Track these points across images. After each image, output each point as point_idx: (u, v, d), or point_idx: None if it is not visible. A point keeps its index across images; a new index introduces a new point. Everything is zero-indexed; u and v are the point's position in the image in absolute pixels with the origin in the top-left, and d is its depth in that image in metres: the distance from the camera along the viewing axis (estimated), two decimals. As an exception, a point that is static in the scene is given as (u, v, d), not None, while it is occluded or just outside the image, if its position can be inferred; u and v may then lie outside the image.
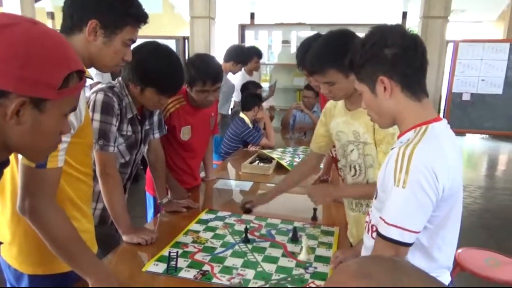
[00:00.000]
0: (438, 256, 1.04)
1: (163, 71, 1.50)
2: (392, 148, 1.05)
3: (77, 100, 0.80)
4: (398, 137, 1.06)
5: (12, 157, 1.03)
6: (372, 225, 1.10)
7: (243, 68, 4.27)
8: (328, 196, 1.59)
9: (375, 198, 1.09)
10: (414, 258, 1.01)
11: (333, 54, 1.40)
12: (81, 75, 0.77)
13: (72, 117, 1.03)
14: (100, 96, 1.45)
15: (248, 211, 1.75)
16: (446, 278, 1.10)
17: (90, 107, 1.44)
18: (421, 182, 0.91)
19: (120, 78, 1.58)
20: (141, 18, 1.21)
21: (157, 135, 1.80)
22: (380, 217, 0.97)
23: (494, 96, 5.18)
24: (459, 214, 1.07)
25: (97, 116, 1.44)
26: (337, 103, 1.61)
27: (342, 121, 1.55)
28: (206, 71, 1.86)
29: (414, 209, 0.93)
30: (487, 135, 7.91)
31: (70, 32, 1.13)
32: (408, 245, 0.95)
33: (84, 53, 1.14)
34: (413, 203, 0.92)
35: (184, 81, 1.63)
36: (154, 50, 1.54)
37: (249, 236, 1.56)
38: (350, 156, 1.50)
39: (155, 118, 1.77)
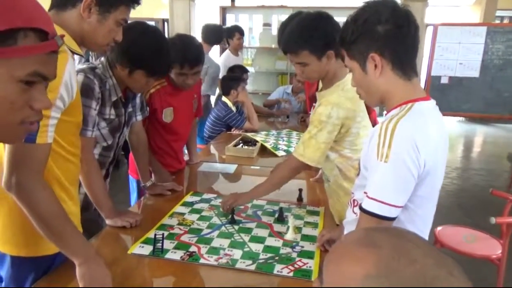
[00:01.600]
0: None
1: (153, 53, 1.46)
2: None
3: (47, 65, 0.69)
4: (386, 114, 1.06)
5: None
6: (354, 200, 1.11)
7: (228, 48, 4.26)
8: (231, 200, 1.59)
9: (357, 175, 1.10)
10: None
11: (306, 36, 1.42)
12: (45, 36, 0.67)
13: (63, 92, 0.99)
14: (80, 77, 1.38)
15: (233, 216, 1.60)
16: None
17: None
18: (403, 156, 0.91)
19: (102, 59, 1.52)
20: None
21: (139, 117, 1.76)
22: (364, 192, 0.98)
23: (471, 79, 5.28)
24: (437, 195, 1.08)
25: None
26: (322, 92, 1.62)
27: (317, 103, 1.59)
28: (184, 54, 1.79)
29: (395, 183, 0.93)
30: (464, 118, 8.13)
31: (63, 7, 1.10)
32: (389, 219, 0.94)
33: (76, 29, 1.11)
34: (393, 177, 0.93)
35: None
36: (143, 31, 1.49)
37: (236, 217, 1.56)
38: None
39: (137, 100, 1.73)
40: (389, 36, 0.96)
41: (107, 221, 1.48)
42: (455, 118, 8.17)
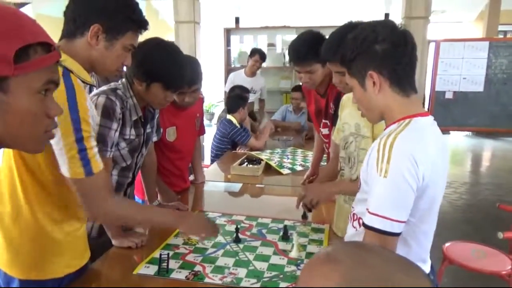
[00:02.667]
0: (416, 249, 1.05)
1: (168, 64, 1.47)
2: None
3: (56, 73, 0.74)
4: (385, 130, 1.08)
5: (8, 156, 1.04)
6: (354, 214, 1.13)
7: (242, 70, 4.39)
8: (322, 193, 1.58)
9: (359, 189, 1.12)
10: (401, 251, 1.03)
11: (313, 45, 1.54)
12: (49, 48, 0.72)
13: (92, 123, 1.07)
14: (102, 99, 1.40)
15: (309, 211, 1.61)
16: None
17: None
18: (402, 171, 0.92)
19: (123, 79, 1.55)
20: (143, 24, 1.23)
21: (155, 138, 1.79)
22: (366, 208, 0.98)
23: (476, 93, 5.29)
24: (437, 209, 1.08)
25: (97, 120, 1.39)
26: (350, 94, 1.63)
27: (348, 112, 1.57)
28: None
29: (395, 197, 0.94)
30: (471, 132, 8.09)
31: (72, 36, 1.14)
32: (393, 234, 0.94)
33: (85, 57, 1.15)
34: (394, 192, 0.93)
35: (198, 74, 1.62)
36: (158, 44, 1.51)
37: (240, 236, 1.57)
38: (349, 148, 1.53)
39: (155, 121, 1.75)
40: (387, 55, 0.99)
41: (113, 241, 1.50)
42: (462, 133, 8.13)
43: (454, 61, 5.29)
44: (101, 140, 1.40)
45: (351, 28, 1.43)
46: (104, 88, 1.48)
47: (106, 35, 1.15)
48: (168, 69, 1.47)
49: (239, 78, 4.41)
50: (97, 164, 1.07)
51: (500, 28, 7.54)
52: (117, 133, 1.44)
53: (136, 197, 2.11)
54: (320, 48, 1.57)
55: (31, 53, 0.69)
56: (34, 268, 1.13)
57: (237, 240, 1.54)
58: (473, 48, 5.25)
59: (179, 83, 1.55)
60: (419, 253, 1.07)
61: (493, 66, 5.22)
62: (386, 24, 1.03)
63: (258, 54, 4.35)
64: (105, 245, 1.51)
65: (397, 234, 0.95)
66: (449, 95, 5.36)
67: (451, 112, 5.35)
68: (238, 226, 1.60)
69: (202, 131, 2.28)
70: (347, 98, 1.66)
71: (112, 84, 1.53)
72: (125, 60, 1.24)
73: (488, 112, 5.30)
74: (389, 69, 1.01)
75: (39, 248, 1.03)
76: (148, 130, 1.67)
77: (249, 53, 4.48)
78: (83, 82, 1.11)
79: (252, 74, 4.46)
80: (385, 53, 0.99)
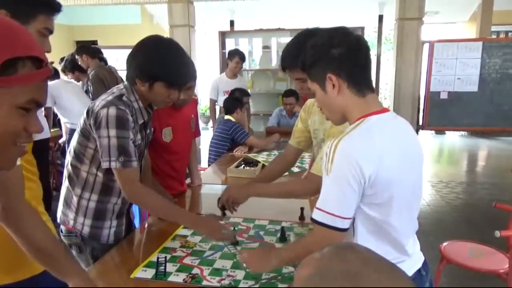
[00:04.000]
0: (394, 243, 1.08)
1: (170, 61, 1.44)
2: None
3: (41, 92, 0.71)
4: None
5: None
6: None
7: (225, 71, 4.38)
8: (239, 194, 1.60)
9: None
10: (377, 247, 1.04)
11: (302, 51, 1.47)
12: (41, 64, 0.69)
13: None
14: (113, 111, 1.37)
15: (223, 213, 1.65)
16: (407, 266, 1.11)
17: (103, 123, 1.37)
18: (343, 171, 0.98)
19: (126, 83, 1.52)
20: (53, 5, 1.17)
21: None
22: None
23: (470, 94, 5.33)
24: (413, 206, 1.12)
25: (113, 132, 1.37)
26: (314, 100, 1.65)
27: (317, 119, 1.61)
28: None
29: (337, 195, 1.00)
30: (466, 132, 8.13)
31: None
32: (339, 229, 1.00)
33: None
34: (336, 190, 1.00)
35: (193, 72, 1.57)
36: (158, 42, 1.48)
37: (238, 238, 1.56)
38: (322, 153, 1.54)
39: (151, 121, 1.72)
40: (343, 58, 1.05)
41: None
42: (457, 133, 8.17)
43: (448, 62, 5.33)
44: (123, 152, 1.38)
45: (308, 35, 1.47)
46: (109, 97, 1.43)
47: (15, 20, 1.10)
48: (170, 66, 1.44)
49: (222, 81, 4.42)
50: None
51: (493, 28, 7.60)
52: (132, 141, 1.43)
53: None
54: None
55: (19, 67, 0.66)
56: (10, 271, 1.10)
57: (234, 243, 1.54)
58: (466, 48, 5.29)
59: (183, 80, 1.52)
60: (396, 246, 1.09)
61: (487, 66, 5.26)
62: (340, 30, 1.10)
63: (237, 56, 4.36)
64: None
65: (342, 230, 1.01)
66: (444, 96, 5.40)
67: (446, 112, 5.39)
68: (235, 228, 1.59)
69: (197, 132, 2.28)
70: (310, 104, 1.70)
71: (115, 90, 1.49)
72: (43, 46, 1.15)
73: (483, 111, 5.34)
74: (346, 71, 1.06)
75: (12, 251, 1.01)
76: (148, 131, 1.65)
77: (228, 56, 4.44)
78: None
79: (234, 75, 4.47)
80: (341, 56, 1.05)
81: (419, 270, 1.15)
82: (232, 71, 4.44)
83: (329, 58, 1.06)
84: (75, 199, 1.52)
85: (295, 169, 2.65)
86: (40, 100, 0.71)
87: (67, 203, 1.55)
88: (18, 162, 0.98)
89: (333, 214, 1.00)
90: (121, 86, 1.52)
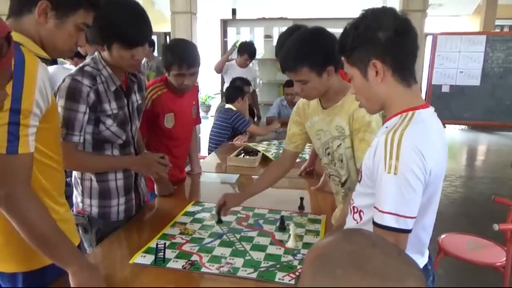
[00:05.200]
0: (414, 242, 1.04)
1: (122, 20, 1.37)
2: (376, 136, 1.06)
3: (10, 65, 0.71)
4: (384, 122, 1.06)
5: None
6: (354, 207, 1.11)
7: (235, 59, 4.38)
8: (237, 201, 1.66)
9: (359, 181, 1.10)
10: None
11: (306, 53, 1.39)
12: (9, 38, 0.67)
13: (39, 98, 0.97)
14: (67, 82, 1.36)
15: (220, 219, 1.63)
16: (420, 262, 1.09)
17: (58, 94, 1.36)
18: (412, 167, 0.90)
19: (96, 53, 1.48)
20: (95, 1, 1.15)
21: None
22: (374, 207, 0.96)
23: (472, 87, 5.29)
24: (438, 202, 1.07)
25: (62, 102, 1.35)
26: (310, 102, 1.61)
27: (320, 120, 1.55)
28: (181, 54, 1.84)
29: (408, 194, 0.91)
30: (466, 126, 8.12)
31: (19, 14, 1.06)
32: (406, 231, 0.93)
33: (35, 36, 1.06)
34: (406, 189, 0.91)
35: (150, 31, 1.48)
36: (111, 2, 1.39)
37: (237, 226, 1.57)
38: (338, 150, 1.51)
39: (144, 92, 1.70)
40: (390, 43, 0.97)
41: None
42: (458, 126, 8.15)
43: (451, 55, 5.29)
44: (67, 124, 1.36)
45: (314, 34, 1.40)
46: (72, 71, 1.42)
47: (56, 12, 1.07)
48: (122, 25, 1.36)
49: (233, 68, 4.42)
50: (26, 145, 0.95)
51: (497, 22, 7.53)
52: (86, 115, 1.39)
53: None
54: (312, 53, 1.42)
55: (3, 49, 0.65)
56: (16, 261, 1.09)
57: (219, 221, 1.57)
58: (470, 41, 5.24)
59: (138, 38, 1.42)
60: (416, 246, 1.06)
61: (490, 60, 5.22)
62: (388, 12, 1.00)
63: (247, 54, 4.34)
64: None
65: (410, 231, 0.94)
66: (445, 89, 5.36)
67: (448, 105, 5.36)
68: (237, 216, 1.60)
69: (198, 120, 2.28)
70: (305, 106, 1.63)
71: (83, 63, 1.46)
72: (78, 40, 1.15)
73: (484, 106, 5.31)
74: (392, 57, 0.98)
75: (19, 241, 0.99)
76: (139, 102, 1.62)
77: (239, 49, 4.41)
78: (39, 57, 1.03)
79: (245, 64, 4.46)
80: (388, 41, 0.97)
81: (426, 265, 1.13)
82: (240, 64, 4.44)
83: (375, 42, 0.97)
84: (79, 181, 1.55)
85: (295, 159, 2.65)
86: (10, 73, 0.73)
87: (75, 187, 1.58)
88: (32, 149, 0.97)
89: (404, 216, 0.91)
90: (89, 58, 1.49)
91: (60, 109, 1.35)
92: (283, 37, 1.91)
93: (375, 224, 0.95)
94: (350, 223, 1.13)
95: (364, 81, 1.03)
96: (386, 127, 1.01)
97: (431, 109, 1.03)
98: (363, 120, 1.41)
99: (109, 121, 1.47)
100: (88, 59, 1.48)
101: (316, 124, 1.58)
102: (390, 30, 0.97)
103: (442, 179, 1.06)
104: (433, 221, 1.09)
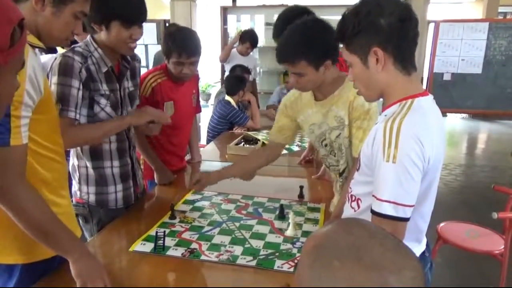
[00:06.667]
0: (412, 230, 1.03)
1: None
2: (376, 123, 1.05)
3: (24, 53, 0.71)
4: (383, 110, 1.05)
5: None
6: (352, 195, 1.11)
7: (236, 48, 4.34)
8: (213, 178, 1.65)
9: (358, 170, 1.10)
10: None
11: (305, 47, 1.36)
12: (22, 24, 0.67)
13: (30, 88, 0.94)
14: (58, 59, 1.35)
15: (173, 217, 1.56)
16: (416, 251, 1.09)
17: (51, 72, 1.35)
18: (411, 156, 0.90)
19: (88, 37, 1.47)
20: None
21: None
22: (373, 195, 0.95)
23: (474, 75, 5.26)
24: (436, 189, 1.07)
25: (55, 79, 1.33)
26: (302, 95, 1.59)
27: (314, 112, 1.54)
28: (182, 42, 1.81)
29: (406, 183, 0.91)
30: (467, 115, 8.09)
31: (15, 0, 1.05)
32: (404, 219, 0.93)
33: (31, 24, 1.04)
34: (405, 177, 0.90)
35: (146, 10, 1.46)
36: None
37: (236, 215, 1.57)
38: (337, 141, 1.50)
39: (138, 79, 1.68)
40: (392, 30, 0.95)
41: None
42: (458, 115, 8.13)
43: (453, 42, 5.24)
44: (62, 99, 1.33)
45: (323, 27, 1.37)
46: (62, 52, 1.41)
47: (53, 0, 1.06)
48: (120, 4, 1.36)
49: (233, 56, 4.38)
50: (18, 137, 0.93)
51: (500, 9, 7.44)
52: (80, 92, 1.37)
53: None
54: (310, 47, 1.39)
55: (15, 35, 0.64)
56: (20, 253, 1.08)
57: (172, 217, 1.54)
58: (472, 29, 5.19)
59: (138, 15, 1.42)
60: (414, 233, 1.06)
61: (492, 48, 5.18)
62: None
63: (249, 42, 4.29)
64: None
65: (407, 219, 0.93)
66: (447, 77, 5.33)
67: (449, 94, 5.33)
68: (173, 204, 1.59)
69: (198, 108, 2.26)
70: (295, 99, 1.61)
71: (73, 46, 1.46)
72: (75, 28, 1.14)
73: (486, 94, 5.28)
74: (394, 45, 0.96)
75: (20, 233, 0.99)
76: (131, 88, 1.61)
77: (241, 37, 4.38)
78: (32, 46, 1.02)
79: (246, 53, 4.42)
80: (390, 28, 0.94)
81: (423, 252, 1.13)
82: (241, 52, 4.39)
83: (377, 29, 0.95)
84: (76, 168, 1.55)
85: (294, 148, 2.65)
86: (24, 60, 0.73)
87: (72, 175, 1.57)
88: (25, 141, 0.96)
89: (403, 204, 0.91)
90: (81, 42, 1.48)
91: (53, 86, 1.33)
92: (282, 21, 1.88)
93: (373, 212, 0.95)
94: (347, 212, 1.14)
95: (363, 69, 1.01)
96: (385, 115, 1.00)
97: (430, 97, 1.02)
98: (362, 108, 1.41)
99: (103, 101, 1.46)
100: (80, 43, 1.47)
101: (310, 118, 1.56)
102: (392, 17, 0.94)
103: (441, 167, 1.05)
104: (431, 209, 1.09)
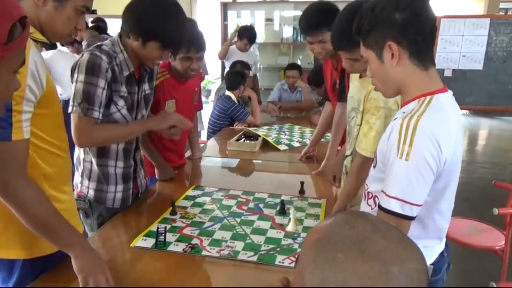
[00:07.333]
0: (432, 228, 1.04)
1: (168, 23, 1.37)
2: (395, 119, 1.02)
3: (25, 51, 0.70)
4: (402, 106, 1.03)
5: None
6: (368, 192, 1.10)
7: (235, 44, 4.33)
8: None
9: (374, 167, 1.08)
10: (420, 231, 1.01)
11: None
12: (24, 22, 0.66)
13: (31, 83, 0.94)
14: (86, 56, 1.34)
15: (174, 213, 1.56)
16: (437, 249, 1.10)
17: (76, 69, 1.34)
18: (425, 155, 0.89)
19: (115, 37, 1.46)
20: None
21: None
22: (382, 190, 0.95)
23: (475, 72, 5.24)
24: (455, 187, 1.06)
25: (81, 77, 1.32)
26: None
27: (354, 86, 1.55)
28: (191, 36, 1.76)
29: (416, 182, 0.90)
30: (468, 111, 8.08)
31: None
32: (410, 218, 0.92)
33: (34, 19, 1.04)
34: (415, 176, 0.90)
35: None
36: (158, 0, 1.40)
37: (237, 210, 1.57)
38: (350, 123, 1.53)
39: (154, 82, 1.68)
40: (407, 24, 0.94)
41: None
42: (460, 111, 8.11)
43: (454, 38, 5.22)
44: (88, 98, 1.33)
45: (357, 9, 1.37)
46: (89, 48, 1.41)
47: None
48: (167, 28, 1.37)
49: (233, 53, 4.37)
50: (19, 131, 0.93)
51: (502, 5, 7.42)
52: (105, 92, 1.37)
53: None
54: (332, 16, 1.48)
55: (14, 31, 0.63)
56: (22, 248, 1.08)
57: (173, 213, 1.54)
58: (473, 25, 5.17)
59: (177, 44, 1.47)
60: (435, 231, 1.06)
61: (493, 44, 5.16)
62: None
63: (246, 38, 4.28)
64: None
65: (414, 218, 0.93)
66: (448, 73, 5.31)
67: (450, 90, 5.31)
68: (174, 201, 1.59)
69: (200, 106, 2.25)
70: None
71: (98, 42, 1.45)
72: (77, 23, 1.13)
73: (487, 90, 5.27)
74: (409, 39, 0.95)
75: (23, 228, 0.99)
76: (148, 91, 1.61)
77: (239, 33, 4.37)
78: (34, 40, 1.01)
79: (245, 49, 4.41)
80: (405, 22, 0.93)
81: (442, 252, 1.12)
82: (240, 48, 4.39)
83: (391, 23, 0.94)
84: (81, 161, 1.54)
85: (295, 144, 2.64)
86: (25, 59, 0.72)
87: (76, 168, 1.57)
88: (26, 136, 0.96)
89: (410, 203, 0.90)
90: (107, 41, 1.47)
91: (79, 84, 1.32)
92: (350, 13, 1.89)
93: (380, 207, 0.95)
94: (364, 209, 1.12)
95: (379, 64, 1.00)
96: (404, 112, 0.98)
97: (449, 93, 1.01)
98: (375, 102, 1.40)
99: (121, 102, 1.45)
100: (106, 41, 1.46)
101: (351, 90, 1.57)
102: (407, 11, 0.94)
103: (459, 165, 1.04)
104: (451, 207, 1.08)
